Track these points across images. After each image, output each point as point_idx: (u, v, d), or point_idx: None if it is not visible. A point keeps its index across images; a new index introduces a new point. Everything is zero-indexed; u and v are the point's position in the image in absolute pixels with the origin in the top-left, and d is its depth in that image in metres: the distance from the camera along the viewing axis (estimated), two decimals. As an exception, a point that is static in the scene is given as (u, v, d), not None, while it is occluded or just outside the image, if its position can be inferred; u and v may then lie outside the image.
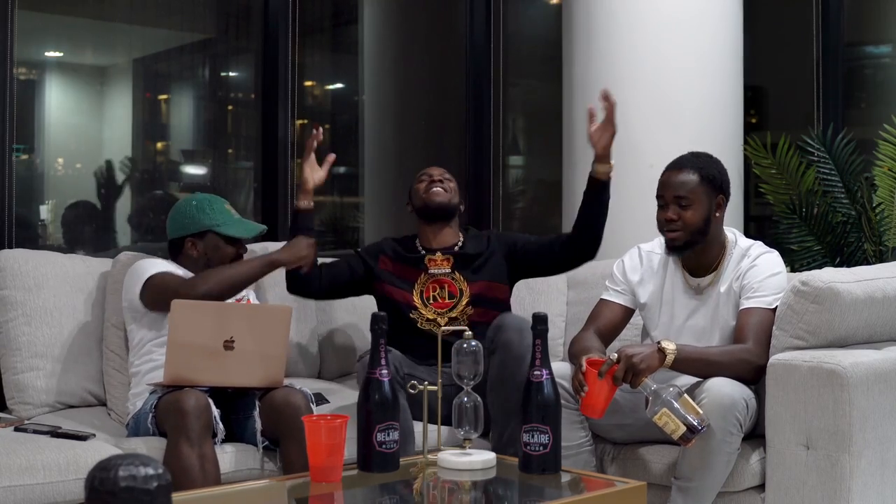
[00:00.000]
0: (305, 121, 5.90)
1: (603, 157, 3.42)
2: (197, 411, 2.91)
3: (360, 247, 5.77)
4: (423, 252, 3.67)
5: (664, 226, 3.19)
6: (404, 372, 3.32)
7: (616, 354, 2.94)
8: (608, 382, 2.93)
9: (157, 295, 3.25)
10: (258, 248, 4.03)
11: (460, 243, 3.69)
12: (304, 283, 3.59)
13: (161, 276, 3.29)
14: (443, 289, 3.62)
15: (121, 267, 3.53)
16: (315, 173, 3.58)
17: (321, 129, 3.54)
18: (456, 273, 3.63)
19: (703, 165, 3.20)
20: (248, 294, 3.52)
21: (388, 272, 3.66)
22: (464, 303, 3.60)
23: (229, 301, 3.40)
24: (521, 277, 3.76)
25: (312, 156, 3.57)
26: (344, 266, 3.70)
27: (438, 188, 3.66)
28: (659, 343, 3.01)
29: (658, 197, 3.21)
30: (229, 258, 3.41)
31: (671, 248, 3.20)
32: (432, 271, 3.64)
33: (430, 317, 3.60)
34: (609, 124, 3.37)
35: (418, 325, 3.59)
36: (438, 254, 3.66)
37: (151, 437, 3.05)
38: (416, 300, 3.62)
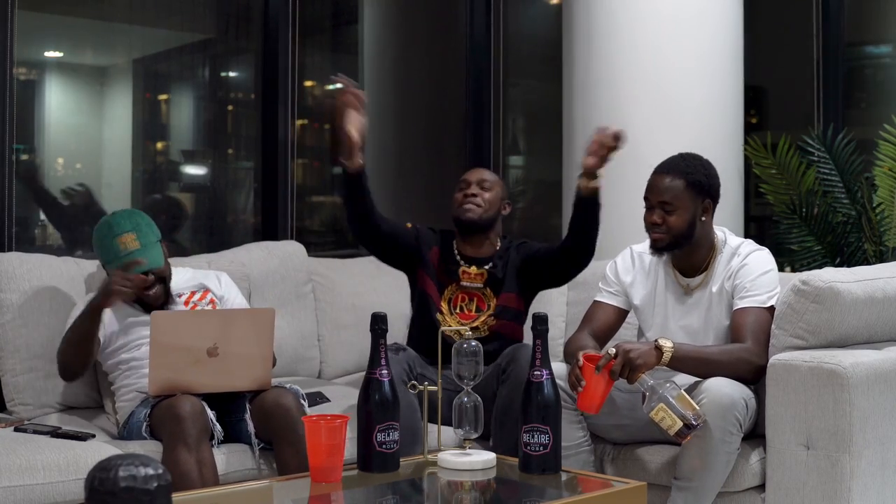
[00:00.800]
0: (305, 121, 5.90)
1: (590, 174, 3.35)
2: (193, 416, 2.90)
3: (360, 246, 5.79)
4: (460, 259, 3.61)
5: (649, 227, 3.21)
6: (417, 371, 3.31)
7: (613, 349, 2.95)
8: (605, 378, 2.93)
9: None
10: (257, 249, 4.03)
11: (496, 257, 3.61)
12: (359, 193, 3.43)
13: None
14: (471, 301, 3.58)
15: (102, 273, 3.52)
16: (357, 123, 3.29)
17: (341, 76, 3.30)
18: (487, 289, 3.58)
19: (690, 170, 3.19)
20: (205, 282, 3.48)
21: (433, 266, 3.62)
22: (487, 314, 3.57)
23: (207, 307, 3.39)
24: (535, 290, 3.68)
25: (350, 111, 3.28)
26: (401, 228, 3.63)
27: (470, 204, 3.57)
28: (656, 341, 3.01)
29: (645, 198, 3.22)
30: None
31: (654, 248, 3.22)
32: (464, 283, 3.58)
33: (453, 324, 3.53)
34: (604, 156, 3.28)
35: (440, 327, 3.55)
36: (474, 267, 3.59)
37: (148, 441, 3.04)
38: (444, 306, 3.58)
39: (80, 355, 3.20)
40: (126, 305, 3.32)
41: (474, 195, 3.58)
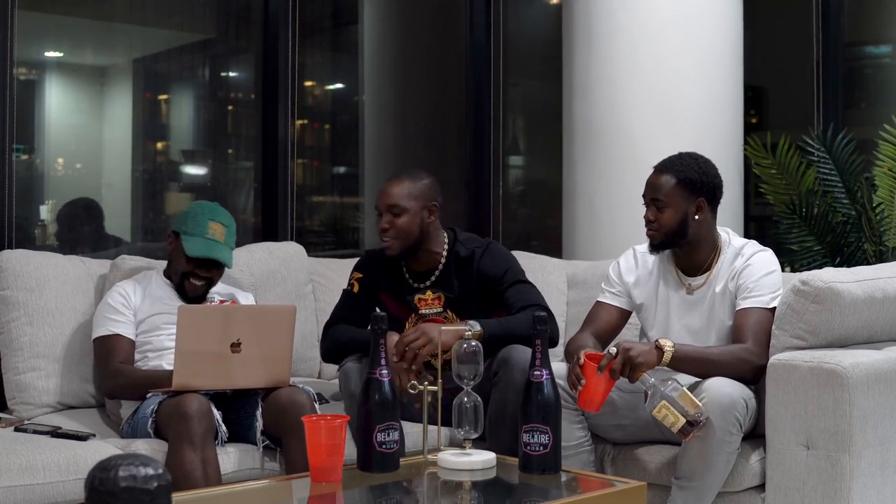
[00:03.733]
0: (305, 121, 5.90)
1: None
2: (199, 415, 2.91)
3: (360, 246, 5.78)
4: (409, 277, 3.46)
5: (645, 225, 3.24)
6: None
7: (614, 349, 2.95)
8: (606, 377, 2.94)
9: (95, 360, 3.39)
10: (257, 250, 4.03)
11: (442, 262, 3.44)
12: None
13: (101, 342, 3.34)
14: None
15: (118, 273, 3.54)
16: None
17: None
18: (448, 311, 3.44)
19: (682, 168, 3.20)
20: (236, 295, 3.53)
21: (389, 312, 3.34)
22: None
23: (233, 303, 3.42)
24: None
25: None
26: (363, 312, 3.40)
27: (385, 240, 3.36)
28: (657, 340, 3.01)
29: (643, 195, 3.26)
30: (181, 270, 3.37)
31: (650, 245, 3.25)
32: (423, 311, 3.43)
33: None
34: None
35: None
36: (429, 293, 3.44)
37: (152, 440, 3.05)
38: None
39: (134, 396, 3.24)
40: (166, 288, 3.43)
41: (385, 230, 3.35)
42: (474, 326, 3.20)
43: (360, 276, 3.50)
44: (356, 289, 3.49)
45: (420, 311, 3.45)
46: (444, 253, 3.47)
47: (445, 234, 3.50)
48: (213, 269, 3.39)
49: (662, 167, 3.24)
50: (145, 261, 3.61)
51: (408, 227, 3.37)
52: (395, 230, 3.36)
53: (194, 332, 3.01)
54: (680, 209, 3.18)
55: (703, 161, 3.26)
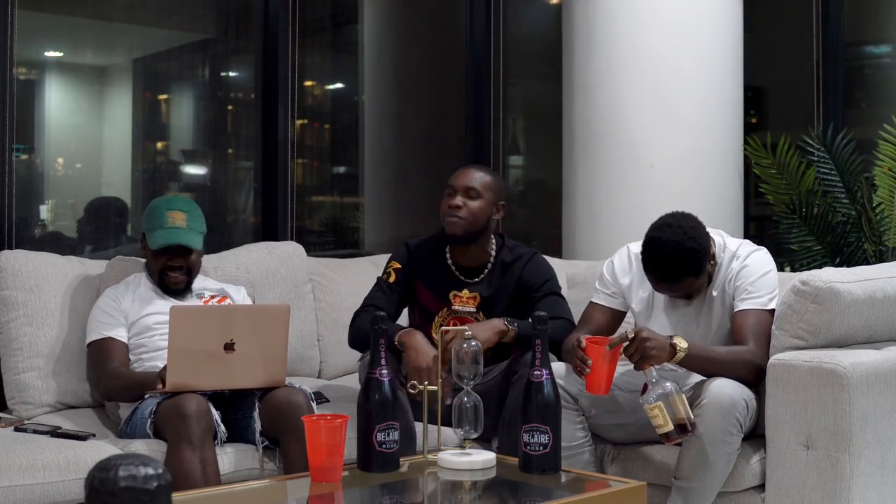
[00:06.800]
0: (305, 121, 5.90)
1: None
2: (198, 415, 2.91)
3: (360, 246, 5.79)
4: (453, 267, 3.48)
5: None
6: (404, 372, 3.30)
7: (633, 333, 2.94)
8: (609, 357, 2.93)
9: (91, 365, 3.41)
10: (257, 250, 4.03)
11: (490, 263, 3.49)
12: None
13: (96, 346, 3.35)
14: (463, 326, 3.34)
15: (113, 273, 3.55)
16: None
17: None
18: (481, 314, 3.46)
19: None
20: (227, 290, 3.54)
21: (421, 303, 3.46)
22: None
23: (227, 303, 3.42)
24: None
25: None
26: (395, 303, 3.47)
27: (454, 217, 3.39)
28: (672, 338, 3.00)
29: None
30: (157, 268, 3.40)
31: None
32: (456, 308, 3.45)
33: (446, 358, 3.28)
34: None
35: None
36: (466, 291, 3.47)
37: (151, 440, 3.04)
38: (435, 335, 3.34)
39: (130, 398, 3.24)
40: (153, 289, 3.43)
41: (458, 207, 3.39)
42: (512, 324, 3.25)
43: (399, 266, 3.51)
44: (392, 279, 3.50)
45: (453, 307, 3.47)
46: (493, 255, 3.51)
47: (494, 238, 3.54)
48: (184, 257, 3.40)
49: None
50: (140, 261, 3.62)
51: (478, 212, 3.41)
52: (466, 210, 3.40)
53: (187, 333, 3.00)
54: None
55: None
